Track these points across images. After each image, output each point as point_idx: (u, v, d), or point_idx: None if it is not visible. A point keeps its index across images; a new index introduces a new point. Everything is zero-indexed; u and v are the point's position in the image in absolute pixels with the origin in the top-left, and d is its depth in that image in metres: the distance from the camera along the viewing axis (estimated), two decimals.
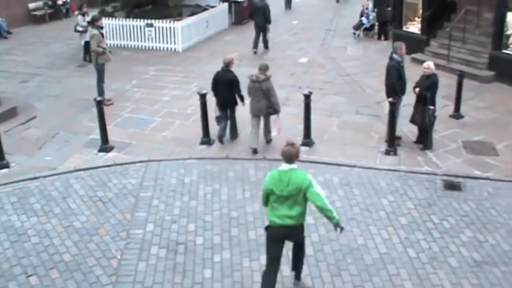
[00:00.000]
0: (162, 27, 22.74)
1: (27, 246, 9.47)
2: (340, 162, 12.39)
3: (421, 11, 21.27)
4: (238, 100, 13.41)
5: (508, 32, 18.00)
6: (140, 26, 23.09)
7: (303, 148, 12.81)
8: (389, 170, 12.21)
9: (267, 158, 12.67)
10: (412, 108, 13.20)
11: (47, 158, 13.02)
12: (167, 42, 22.86)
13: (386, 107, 13.11)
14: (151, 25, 22.80)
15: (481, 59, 18.57)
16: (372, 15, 24.59)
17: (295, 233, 7.88)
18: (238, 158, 12.78)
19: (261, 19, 22.42)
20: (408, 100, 13.34)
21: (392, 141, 13.01)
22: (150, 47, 23.10)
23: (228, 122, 13.60)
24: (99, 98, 13.66)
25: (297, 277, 8.48)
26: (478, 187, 11.48)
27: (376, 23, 24.44)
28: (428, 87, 12.68)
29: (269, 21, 22.59)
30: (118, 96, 16.98)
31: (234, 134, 13.87)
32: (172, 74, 19.47)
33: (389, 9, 23.68)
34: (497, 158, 12.83)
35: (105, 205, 10.80)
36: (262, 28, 22.47)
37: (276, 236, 7.82)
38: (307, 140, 13.36)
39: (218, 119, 13.64)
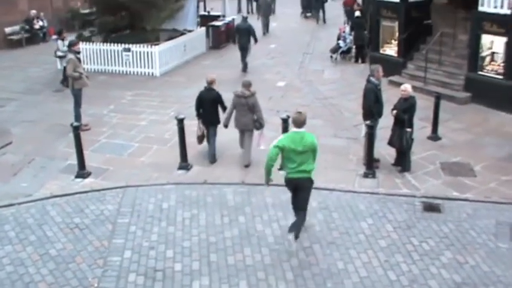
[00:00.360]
0: (140, 52, 22.69)
1: (1, 275, 9.29)
2: (319, 186, 12.25)
3: (397, 34, 21.43)
4: (221, 110, 13.89)
5: (483, 54, 18.22)
6: (117, 51, 23.01)
7: (280, 172, 12.82)
8: (368, 192, 12.23)
9: (245, 182, 12.62)
10: (390, 130, 13.25)
11: (23, 184, 12.85)
12: (145, 67, 22.80)
13: (364, 130, 13.16)
14: (128, 49, 22.74)
15: (457, 80, 18.76)
16: (349, 38, 24.74)
17: (306, 183, 10.00)
18: (216, 182, 12.71)
19: (245, 40, 22.89)
20: (386, 123, 13.41)
21: (371, 164, 13.04)
22: (128, 72, 23.02)
23: (212, 140, 14.00)
24: (75, 124, 13.53)
25: (296, 238, 9.75)
26: (456, 208, 11.53)
27: (353, 46, 24.58)
28: (405, 110, 12.77)
29: (256, 40, 23.36)
30: (95, 121, 16.86)
31: (213, 154, 14.07)
32: (150, 98, 19.38)
33: (366, 32, 23.84)
34: (475, 179, 12.91)
35: (82, 232, 10.66)
36: (246, 49, 22.94)
37: (292, 186, 10.14)
38: None
39: (200, 139, 14.05)
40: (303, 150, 9.73)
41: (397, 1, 20.96)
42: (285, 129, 13.01)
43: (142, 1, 23.18)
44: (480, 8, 17.85)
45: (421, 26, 21.02)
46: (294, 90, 19.77)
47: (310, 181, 10.04)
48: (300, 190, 10.05)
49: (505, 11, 17.14)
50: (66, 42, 20.21)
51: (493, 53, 18.25)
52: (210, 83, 13.76)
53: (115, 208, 11.58)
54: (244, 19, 24.19)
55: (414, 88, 13.54)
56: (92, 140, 15.28)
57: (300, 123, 9.85)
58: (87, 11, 26.70)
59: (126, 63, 23.01)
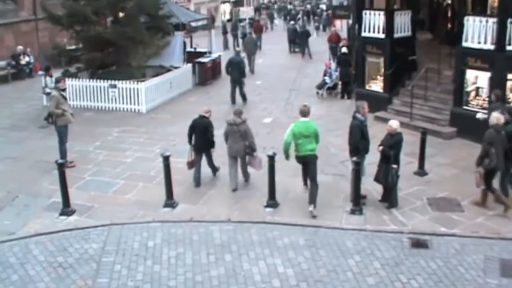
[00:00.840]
0: (126, 88, 22.66)
1: None
2: (306, 223, 12.31)
3: (383, 70, 21.56)
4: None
5: (468, 89, 18.37)
6: (104, 87, 22.97)
7: (267, 210, 12.85)
8: (355, 229, 12.15)
9: (231, 220, 12.54)
10: (376, 166, 13.23)
11: (6, 222, 12.66)
12: (131, 103, 22.75)
13: (350, 166, 13.14)
14: (114, 86, 22.71)
15: (443, 115, 18.86)
16: (335, 74, 24.87)
17: (312, 159, 12.93)
18: (203, 220, 12.61)
19: (236, 73, 23.39)
20: (373, 159, 13.39)
21: (358, 201, 12.99)
22: (114, 108, 22.96)
23: (202, 165, 14.67)
24: (60, 161, 13.46)
25: (314, 206, 12.80)
26: (444, 244, 11.47)
27: (339, 82, 24.68)
28: (391, 146, 12.79)
29: (244, 75, 23.59)
30: (80, 158, 16.73)
31: (214, 171, 15.14)
32: (136, 135, 19.28)
33: (351, 68, 23.99)
34: (463, 214, 12.89)
35: (65, 271, 10.49)
36: (238, 82, 23.36)
37: (301, 162, 13.16)
38: (272, 202, 13.29)
39: (190, 164, 14.57)
40: (308, 135, 12.73)
41: (382, 37, 21.12)
42: (272, 166, 12.99)
43: (129, 38, 23.23)
44: (464, 44, 18.03)
45: (406, 62, 21.21)
46: (280, 126, 19.67)
47: (315, 157, 12.96)
48: (308, 164, 13.03)
49: (489, 46, 17.34)
50: (54, 79, 20.26)
51: (477, 88, 18.39)
52: (206, 112, 14.71)
53: (100, 246, 11.42)
54: (237, 53, 25.00)
55: (400, 124, 13.57)
56: (77, 177, 15.15)
57: (305, 113, 12.89)
58: (73, 47, 26.68)
59: (112, 99, 22.95)
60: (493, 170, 12.71)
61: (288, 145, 12.94)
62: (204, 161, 14.82)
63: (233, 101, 23.37)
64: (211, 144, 14.67)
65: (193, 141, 14.67)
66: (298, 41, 38.12)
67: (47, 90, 20.72)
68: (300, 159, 13.11)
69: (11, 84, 28.95)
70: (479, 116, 15.85)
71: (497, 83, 17.16)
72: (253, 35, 36.91)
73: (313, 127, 12.82)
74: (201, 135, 14.48)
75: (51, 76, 20.88)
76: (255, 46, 33.47)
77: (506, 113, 13.34)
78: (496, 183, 13.02)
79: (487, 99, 17.65)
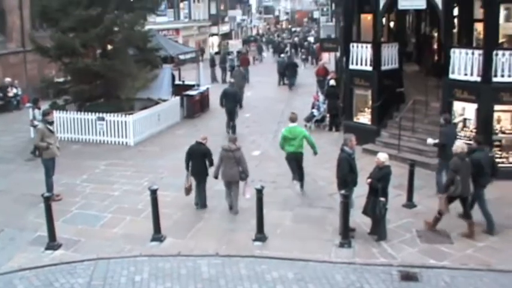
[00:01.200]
0: (114, 121, 22.62)
1: None
2: (295, 257, 12.21)
3: (370, 102, 21.65)
4: (208, 165, 15.05)
5: (456, 120, 18.45)
6: (91, 120, 22.93)
7: (255, 243, 12.76)
8: (344, 263, 12.07)
9: (220, 254, 12.43)
10: (365, 199, 13.20)
11: None
12: (118, 136, 22.67)
13: (339, 199, 13.10)
14: (102, 119, 22.66)
15: (431, 147, 18.84)
16: (323, 107, 24.95)
17: (299, 157, 16.33)
18: (191, 254, 12.49)
19: (231, 104, 23.79)
20: (362, 191, 13.38)
21: (346, 234, 12.92)
22: (102, 141, 22.86)
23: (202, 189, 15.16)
24: (46, 194, 13.33)
25: (301, 186, 16.51)
26: (434, 276, 11.43)
27: (327, 115, 24.75)
28: (379, 179, 12.78)
29: (241, 106, 24.47)
30: (67, 191, 16.59)
31: (204, 203, 15.22)
32: (124, 168, 19.14)
33: (339, 101, 24.08)
34: (452, 246, 12.86)
35: None
36: (232, 113, 23.80)
37: (290, 158, 16.36)
38: (260, 235, 13.16)
39: (187, 190, 15.10)
40: (295, 137, 16.09)
41: (370, 70, 21.26)
42: (260, 200, 12.94)
43: (117, 70, 23.28)
44: (451, 76, 18.21)
45: (393, 94, 21.31)
46: (269, 159, 19.72)
47: (301, 154, 16.36)
48: (297, 160, 16.35)
49: (475, 78, 17.51)
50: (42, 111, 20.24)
51: (465, 119, 18.54)
52: (203, 139, 15.24)
53: (86, 281, 11.27)
54: (231, 84, 25.50)
55: (389, 155, 13.58)
56: (63, 210, 14.99)
57: (293, 120, 16.50)
58: (61, 79, 26.68)
59: (100, 132, 22.88)
60: (462, 197, 13.19)
61: (282, 145, 16.51)
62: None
63: (228, 129, 23.64)
64: (210, 164, 15.13)
65: (190, 168, 15.16)
66: (287, 73, 38.59)
67: (35, 122, 20.59)
68: (290, 155, 16.27)
69: None
70: (429, 141, 16.38)
71: (484, 114, 17.34)
72: (241, 68, 37.11)
73: (298, 130, 16.34)
74: (198, 161, 14.98)
75: (39, 108, 20.80)
76: (243, 79, 33.50)
77: (474, 140, 14.38)
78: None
79: (474, 130, 17.75)
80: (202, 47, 57.67)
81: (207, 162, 15.09)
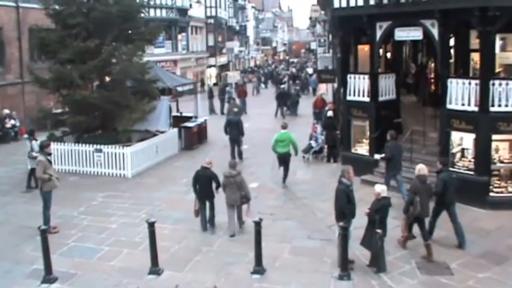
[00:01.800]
0: (111, 153, 22.59)
1: None
2: None
3: (368, 133, 21.63)
4: (214, 188, 15.85)
5: (454, 151, 18.47)
6: (89, 151, 22.91)
7: (254, 276, 12.66)
8: None
9: (218, 287, 12.33)
10: (363, 230, 13.12)
11: None
12: (116, 168, 22.63)
13: (337, 231, 13.02)
14: (100, 150, 22.65)
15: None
16: (321, 138, 24.95)
17: (287, 156, 20.49)
18: None
19: (235, 133, 24.54)
20: (361, 222, 13.30)
21: (345, 266, 12.80)
22: (99, 173, 22.81)
23: (207, 212, 15.89)
24: (43, 227, 13.25)
25: (284, 181, 20.48)
26: None
27: (325, 146, 24.74)
28: (377, 210, 12.72)
29: (242, 134, 24.96)
30: (64, 224, 16.49)
31: (212, 223, 15.90)
32: (121, 200, 19.04)
33: (337, 132, 24.09)
34: (453, 277, 12.74)
35: None
36: (236, 141, 24.65)
37: (280, 158, 20.54)
38: (259, 268, 13.03)
39: (196, 212, 15.80)
40: (284, 140, 20.50)
41: (367, 101, 21.28)
42: (258, 233, 12.85)
43: (115, 102, 23.32)
44: (448, 106, 18.21)
45: (391, 125, 21.27)
46: (267, 191, 19.67)
47: (289, 154, 20.63)
48: (284, 159, 20.61)
49: (473, 108, 17.53)
50: (39, 143, 20.24)
51: (463, 149, 18.50)
52: (208, 163, 16.00)
53: None
54: (235, 113, 26.41)
55: (387, 186, 13.57)
56: (60, 243, 14.88)
57: (284, 127, 21.15)
58: (59, 110, 26.71)
59: (97, 164, 22.85)
60: (420, 218, 13.79)
61: (274, 147, 20.66)
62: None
63: (233, 157, 23.85)
64: (215, 191, 15.91)
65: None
66: (289, 103, 39.50)
67: (33, 154, 20.55)
68: (280, 155, 20.59)
69: None
70: (376, 156, 18.69)
71: (482, 144, 17.33)
72: (237, 100, 37.09)
73: (287, 136, 20.69)
74: (204, 185, 15.76)
75: (36, 140, 20.80)
76: (240, 111, 32.74)
77: (439, 163, 15.25)
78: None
79: (472, 160, 17.75)
80: (202, 77, 58.01)
81: (214, 185, 15.80)
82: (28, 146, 20.55)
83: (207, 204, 15.89)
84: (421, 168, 14.27)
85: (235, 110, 29.21)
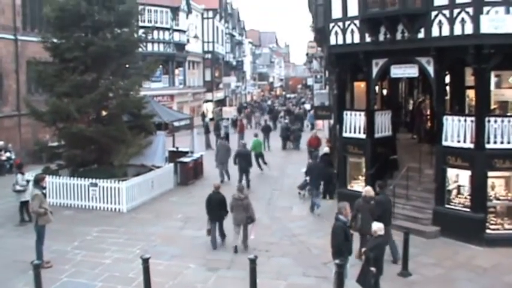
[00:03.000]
0: (107, 187, 22.47)
1: None
2: None
3: (364, 170, 21.61)
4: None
5: (450, 187, 18.48)
6: (84, 185, 22.80)
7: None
8: None
9: None
10: (360, 268, 13.01)
11: None
12: (111, 203, 22.46)
13: (333, 268, 12.91)
14: (95, 184, 22.54)
15: (425, 214, 18.84)
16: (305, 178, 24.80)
17: (262, 154, 30.87)
18: None
19: (244, 163, 26.39)
20: (356, 260, 13.19)
21: None
22: (94, 207, 22.65)
23: (217, 232, 17.65)
24: (36, 262, 13.11)
25: (261, 169, 30.18)
26: None
27: (321, 182, 24.61)
28: (372, 248, 12.62)
29: (251, 165, 27.04)
30: (58, 258, 16.30)
31: (223, 237, 17.81)
32: (116, 235, 18.86)
33: (333, 168, 24.05)
34: None
35: None
36: (245, 170, 26.39)
37: (257, 155, 30.33)
38: None
39: (208, 232, 17.43)
40: (260, 144, 30.50)
41: (363, 137, 21.32)
42: (253, 270, 12.73)
43: (111, 136, 23.32)
44: (444, 143, 18.28)
45: (387, 161, 21.32)
46: (262, 227, 19.51)
47: (262, 153, 30.10)
48: (262, 156, 30.16)
49: (468, 145, 17.58)
50: (25, 177, 20.15)
51: (459, 186, 18.52)
52: (217, 187, 17.78)
53: None
54: (244, 145, 27.95)
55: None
56: (53, 278, 14.68)
57: (257, 135, 31.58)
58: (55, 143, 26.69)
59: (92, 198, 22.72)
60: (362, 232, 14.92)
61: (253, 148, 28.28)
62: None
63: (240, 181, 24.95)
64: (224, 213, 17.54)
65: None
66: (291, 137, 40.54)
67: (18, 187, 20.44)
68: (258, 154, 29.14)
69: None
70: (302, 170, 22.09)
71: (478, 181, 17.34)
72: (224, 141, 35.74)
73: (259, 141, 30.88)
74: (216, 208, 17.38)
75: (22, 174, 20.76)
76: (227, 152, 29.43)
77: (377, 185, 16.49)
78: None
79: (468, 197, 17.74)
80: (203, 111, 58.15)
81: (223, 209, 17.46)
82: (14, 179, 20.53)
83: (217, 224, 17.50)
84: (368, 190, 15.80)
85: (220, 153, 28.75)
